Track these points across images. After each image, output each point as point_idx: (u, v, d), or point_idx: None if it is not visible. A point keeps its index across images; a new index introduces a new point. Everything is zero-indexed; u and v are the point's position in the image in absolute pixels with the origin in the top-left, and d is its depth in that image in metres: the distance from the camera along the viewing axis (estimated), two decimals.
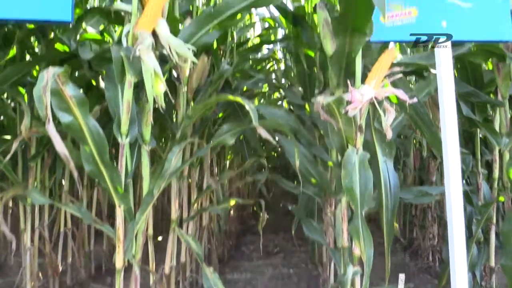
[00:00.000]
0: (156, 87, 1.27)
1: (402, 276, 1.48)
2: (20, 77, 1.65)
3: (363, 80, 1.40)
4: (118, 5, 1.36)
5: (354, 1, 1.15)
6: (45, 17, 1.25)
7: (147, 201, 1.32)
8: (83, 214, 1.33)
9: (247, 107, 1.29)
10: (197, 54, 1.49)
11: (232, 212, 3.14)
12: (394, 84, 1.51)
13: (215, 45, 2.13)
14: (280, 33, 3.05)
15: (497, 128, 2.03)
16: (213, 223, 2.47)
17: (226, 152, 2.94)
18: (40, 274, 2.07)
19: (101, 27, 2.26)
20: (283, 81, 3.00)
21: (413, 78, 2.69)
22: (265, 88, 2.71)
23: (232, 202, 1.87)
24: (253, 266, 2.83)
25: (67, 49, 1.70)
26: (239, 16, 1.37)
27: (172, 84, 1.77)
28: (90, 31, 2.05)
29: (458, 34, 1.48)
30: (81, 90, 2.00)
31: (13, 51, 1.84)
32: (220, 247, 2.75)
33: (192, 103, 1.92)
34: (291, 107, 2.65)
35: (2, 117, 2.36)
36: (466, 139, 2.25)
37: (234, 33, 2.31)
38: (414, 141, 3.04)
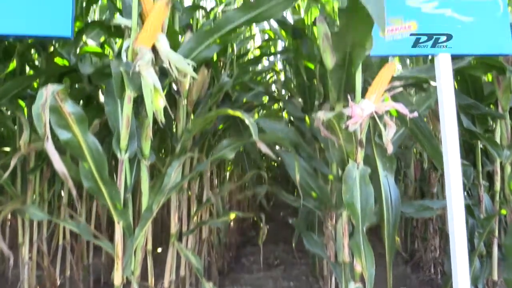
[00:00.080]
0: (156, 102, 1.26)
1: None
2: (20, 90, 1.65)
3: (363, 94, 1.40)
4: (118, 19, 1.36)
5: (354, 16, 1.15)
6: (45, 33, 1.25)
7: (146, 216, 1.31)
8: (81, 230, 1.32)
9: (247, 121, 1.28)
10: (197, 67, 1.48)
11: (232, 223, 3.12)
12: (395, 98, 1.51)
13: (215, 57, 2.13)
14: (280, 44, 3.06)
15: (498, 140, 2.02)
16: (213, 235, 2.46)
17: (226, 163, 2.93)
18: None
19: (102, 39, 2.26)
20: (283, 92, 3.01)
21: (413, 88, 2.70)
22: (265, 99, 2.70)
23: (232, 216, 1.86)
24: (253, 278, 2.80)
25: (67, 63, 1.70)
26: (239, 30, 1.37)
27: (172, 97, 1.77)
28: (91, 43, 2.05)
29: (458, 48, 1.48)
30: (81, 103, 2.04)
31: (13, 64, 1.84)
32: (220, 259, 2.73)
33: (192, 116, 1.92)
34: (291, 118, 2.65)
35: (1, 129, 2.36)
36: (467, 150, 2.25)
37: (234, 45, 2.31)
38: (415, 151, 3.03)
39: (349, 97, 1.31)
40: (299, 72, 2.12)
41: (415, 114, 1.37)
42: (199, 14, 2.14)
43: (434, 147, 1.59)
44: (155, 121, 1.39)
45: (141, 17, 1.32)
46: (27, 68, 2.08)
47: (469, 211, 2.04)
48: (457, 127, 1.43)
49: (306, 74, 2.08)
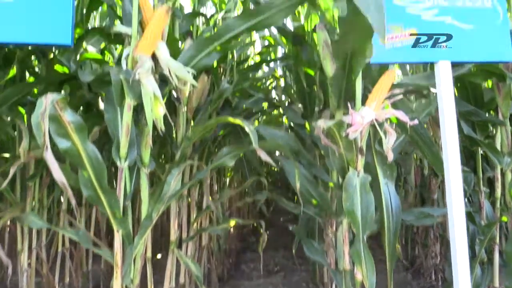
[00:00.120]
0: (156, 110, 1.26)
1: None
2: (20, 97, 1.65)
3: (363, 101, 1.39)
4: (118, 27, 1.36)
5: (354, 25, 1.14)
6: (45, 41, 1.25)
7: (146, 225, 1.30)
8: (80, 238, 1.31)
9: (247, 129, 1.28)
10: (197, 75, 1.48)
11: (232, 229, 3.10)
12: (395, 105, 1.51)
13: (215, 64, 2.13)
14: (280, 50, 3.07)
15: (498, 146, 2.02)
16: (212, 242, 2.45)
17: (226, 169, 2.93)
18: None
19: (102, 45, 2.26)
20: (283, 98, 3.00)
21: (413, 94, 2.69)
22: (266, 105, 2.70)
23: (232, 223, 1.85)
24: (253, 285, 2.78)
25: (66, 71, 1.70)
26: (239, 38, 1.37)
27: (172, 104, 1.77)
28: (91, 50, 2.05)
29: (458, 55, 1.48)
30: (81, 109, 2.04)
31: (13, 71, 1.84)
32: (219, 266, 2.72)
33: (192, 122, 1.92)
34: (292, 124, 2.65)
35: (1, 135, 2.36)
36: (467, 156, 2.24)
37: (234, 52, 2.32)
38: (415, 157, 3.03)
39: (349, 105, 1.31)
40: (299, 78, 2.12)
41: (416, 121, 1.37)
42: (199, 21, 2.15)
43: (434, 154, 1.59)
44: (155, 127, 1.39)
45: (141, 25, 1.32)
46: (27, 74, 2.09)
47: (470, 217, 2.03)
48: (457, 134, 1.43)
49: (306, 81, 2.08)
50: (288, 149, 1.56)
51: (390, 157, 1.37)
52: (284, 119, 3.36)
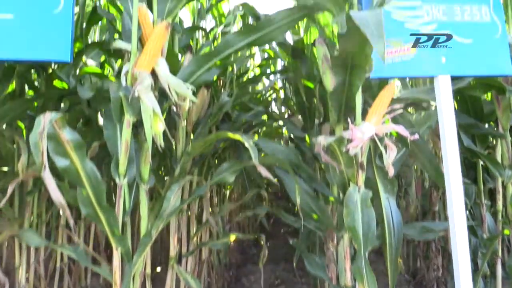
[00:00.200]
0: (155, 127, 1.26)
1: None
2: (19, 112, 1.64)
3: (363, 115, 1.39)
4: (118, 43, 1.36)
5: (354, 41, 1.14)
6: (44, 58, 1.25)
7: (145, 242, 1.29)
8: (79, 255, 1.30)
9: (246, 145, 1.27)
10: (196, 89, 1.48)
11: (232, 242, 3.08)
12: (395, 119, 1.51)
13: (215, 77, 2.13)
14: (280, 63, 3.07)
15: (499, 158, 2.01)
16: (212, 255, 2.43)
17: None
18: None
19: (102, 58, 2.27)
20: (283, 109, 3.00)
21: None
22: (266, 117, 2.70)
23: (233, 237, 1.83)
24: None
25: (66, 86, 1.70)
26: (239, 53, 1.37)
27: (172, 118, 1.76)
28: (90, 63, 2.06)
29: (457, 69, 1.48)
30: (80, 122, 2.03)
31: (12, 86, 1.84)
32: (220, 279, 2.69)
33: (191, 135, 1.91)
34: (292, 135, 2.64)
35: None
36: (468, 166, 2.23)
37: (234, 64, 2.32)
38: (416, 168, 3.02)
39: (349, 120, 1.30)
40: (298, 91, 2.12)
41: (416, 136, 1.36)
42: (199, 34, 2.15)
43: (435, 167, 1.59)
44: (154, 141, 1.38)
45: (141, 41, 1.32)
46: (27, 87, 2.09)
47: (472, 230, 2.02)
48: (458, 148, 1.43)
49: (306, 94, 2.08)
50: (288, 163, 1.55)
51: (391, 172, 1.36)
52: (284, 131, 3.36)
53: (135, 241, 2.04)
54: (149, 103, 1.19)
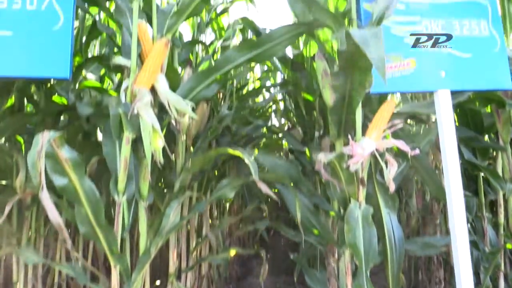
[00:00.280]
0: (155, 143, 1.25)
1: None
2: (18, 127, 1.64)
3: (363, 130, 1.39)
4: (117, 59, 1.36)
5: (353, 57, 1.14)
6: (43, 74, 1.26)
7: (144, 260, 1.27)
8: (77, 273, 1.28)
9: (246, 161, 1.27)
10: (196, 105, 1.48)
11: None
12: (396, 133, 1.50)
13: None
14: (280, 75, 3.08)
15: (499, 171, 2.00)
16: (212, 270, 2.40)
17: None
18: None
19: (102, 71, 2.27)
20: (282, 120, 3.00)
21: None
22: (265, 129, 2.69)
23: (232, 252, 1.81)
24: None
25: (65, 102, 1.70)
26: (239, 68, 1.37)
27: (171, 132, 1.76)
28: (90, 77, 2.06)
29: (457, 83, 1.48)
30: (80, 136, 2.03)
31: (11, 100, 1.83)
32: None
33: (191, 148, 1.90)
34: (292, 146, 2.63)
35: None
36: (468, 177, 2.22)
37: (234, 78, 2.32)
38: (416, 180, 3.00)
39: (349, 136, 1.30)
40: (298, 104, 2.12)
41: (417, 151, 1.36)
42: (199, 48, 2.16)
43: (436, 183, 1.58)
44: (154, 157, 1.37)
45: (141, 57, 1.32)
46: (26, 101, 2.08)
47: (474, 244, 2.00)
48: (458, 162, 1.42)
49: (306, 107, 2.08)
50: (288, 178, 1.55)
51: (392, 187, 1.35)
52: (284, 142, 3.35)
53: (134, 257, 2.02)
54: (148, 119, 1.19)
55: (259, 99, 3.07)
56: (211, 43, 2.28)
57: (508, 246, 1.96)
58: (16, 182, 1.47)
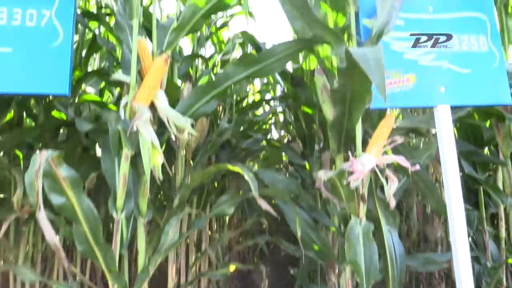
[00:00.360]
0: (154, 159, 1.24)
1: None
2: (17, 143, 1.63)
3: (363, 145, 1.38)
4: (117, 75, 1.35)
5: (353, 75, 1.14)
6: (43, 91, 1.26)
7: (142, 278, 1.26)
8: None
9: (246, 177, 1.26)
10: (195, 120, 1.47)
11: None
12: (396, 148, 1.49)
13: None
14: (280, 87, 3.08)
15: (500, 185, 2.00)
16: (212, 285, 2.38)
17: None
18: None
19: (102, 84, 2.27)
20: (282, 132, 2.99)
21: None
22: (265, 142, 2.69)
23: (232, 268, 1.79)
24: None
25: (64, 117, 1.69)
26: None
27: (171, 147, 1.75)
28: (90, 91, 2.06)
29: (457, 99, 1.48)
30: (79, 150, 2.02)
31: (10, 114, 1.83)
32: None
33: (191, 162, 1.90)
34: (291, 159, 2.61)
35: None
36: (469, 190, 2.20)
37: (233, 90, 2.32)
38: (417, 192, 2.99)
39: (349, 153, 1.29)
40: (298, 117, 2.12)
41: (417, 167, 1.35)
42: (199, 61, 2.16)
43: (436, 198, 1.57)
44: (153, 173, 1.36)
45: (140, 73, 1.32)
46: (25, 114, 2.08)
47: (475, 258, 1.98)
48: (459, 177, 1.41)
49: (305, 120, 2.08)
50: (288, 193, 1.54)
51: (393, 204, 1.35)
52: (284, 155, 3.34)
53: (133, 273, 2.00)
54: (148, 136, 1.18)
55: (259, 111, 3.07)
56: (211, 57, 2.28)
57: (510, 260, 1.94)
58: (14, 198, 1.45)
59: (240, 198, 1.41)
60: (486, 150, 2.21)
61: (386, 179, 1.35)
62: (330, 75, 1.51)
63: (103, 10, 1.93)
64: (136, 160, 1.40)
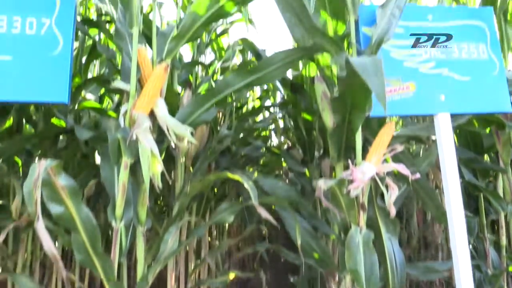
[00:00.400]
0: (153, 168, 1.24)
1: None
2: (16, 150, 1.63)
3: (363, 152, 1.38)
4: (117, 83, 1.35)
5: (353, 84, 1.14)
6: (42, 99, 1.25)
7: (141, 287, 1.25)
8: None
9: (246, 185, 1.25)
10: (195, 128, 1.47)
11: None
12: (396, 156, 1.49)
13: None
14: (279, 93, 3.08)
15: (500, 192, 1.99)
16: None
17: None
18: None
19: (102, 91, 2.27)
20: (282, 138, 2.99)
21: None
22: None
23: (232, 276, 1.78)
24: None
25: (63, 124, 1.69)
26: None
27: (170, 154, 1.75)
28: (89, 97, 2.06)
29: (457, 107, 1.48)
30: (78, 157, 2.01)
31: (9, 122, 1.83)
32: None
33: (191, 169, 1.89)
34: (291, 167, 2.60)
35: None
36: (469, 196, 2.20)
37: (233, 96, 2.32)
38: (417, 199, 2.98)
39: (349, 161, 1.29)
40: (298, 124, 2.11)
41: (417, 175, 1.34)
42: (198, 68, 2.16)
43: (437, 206, 1.56)
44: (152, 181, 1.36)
45: (140, 82, 1.32)
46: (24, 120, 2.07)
47: (476, 266, 1.97)
48: (459, 185, 1.41)
49: (305, 127, 2.07)
50: (288, 201, 1.53)
51: (393, 212, 1.34)
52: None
53: (132, 281, 1.99)
54: (147, 145, 1.18)
55: (259, 117, 3.07)
56: (211, 63, 2.29)
57: (511, 268, 1.93)
58: (13, 206, 1.45)
59: (240, 206, 1.41)
60: (486, 157, 2.20)
61: (386, 187, 1.35)
62: (330, 83, 1.51)
63: (103, 17, 1.93)
64: (135, 168, 1.39)
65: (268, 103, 3.01)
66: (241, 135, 2.28)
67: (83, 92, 1.99)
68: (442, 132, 1.44)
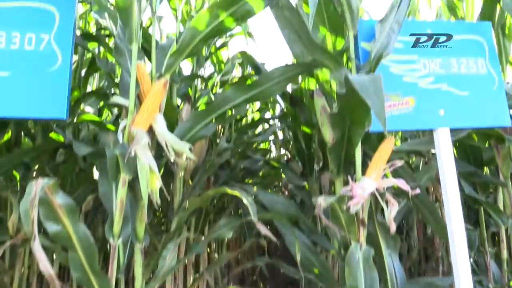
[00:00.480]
0: (152, 184, 1.23)
1: None
2: (15, 164, 1.62)
3: (363, 167, 1.37)
4: (116, 99, 1.35)
5: (353, 100, 1.14)
6: (40, 115, 1.25)
7: None
8: None
9: (245, 201, 1.24)
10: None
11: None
12: (396, 171, 1.48)
13: None
14: (279, 106, 3.09)
15: (500, 205, 1.98)
16: None
17: None
18: None
19: (101, 103, 2.26)
20: (281, 151, 2.98)
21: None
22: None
23: None
24: None
25: (62, 139, 1.68)
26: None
27: (169, 168, 1.74)
28: (88, 110, 2.05)
29: (456, 121, 1.48)
30: (76, 171, 2.00)
31: (8, 135, 1.82)
32: None
33: (190, 182, 1.88)
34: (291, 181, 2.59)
35: None
36: (469, 208, 2.18)
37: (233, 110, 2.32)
38: (417, 212, 2.96)
39: (349, 177, 1.28)
40: (297, 137, 2.11)
41: (417, 191, 1.34)
42: (198, 81, 2.16)
43: (437, 220, 1.55)
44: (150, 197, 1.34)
45: (139, 97, 1.32)
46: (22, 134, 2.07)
47: (477, 281, 1.95)
48: (459, 198, 1.40)
49: (305, 140, 2.07)
50: (287, 216, 1.52)
51: (393, 228, 1.33)
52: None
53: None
54: (146, 161, 1.17)
55: (258, 129, 3.06)
56: (210, 76, 2.29)
57: None
58: (9, 223, 1.44)
59: (239, 221, 1.40)
60: (486, 170, 2.20)
61: (386, 202, 1.34)
62: (329, 98, 1.51)
63: (102, 31, 1.94)
64: (133, 184, 1.38)
65: (267, 115, 3.01)
66: (240, 148, 2.27)
67: (82, 105, 1.99)
68: (442, 147, 1.44)
